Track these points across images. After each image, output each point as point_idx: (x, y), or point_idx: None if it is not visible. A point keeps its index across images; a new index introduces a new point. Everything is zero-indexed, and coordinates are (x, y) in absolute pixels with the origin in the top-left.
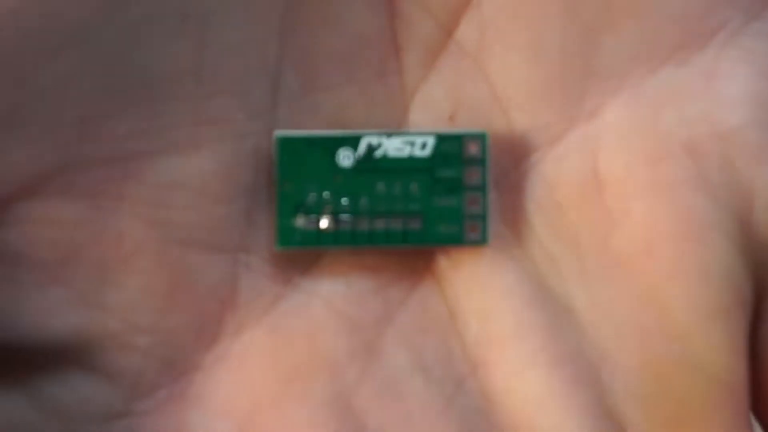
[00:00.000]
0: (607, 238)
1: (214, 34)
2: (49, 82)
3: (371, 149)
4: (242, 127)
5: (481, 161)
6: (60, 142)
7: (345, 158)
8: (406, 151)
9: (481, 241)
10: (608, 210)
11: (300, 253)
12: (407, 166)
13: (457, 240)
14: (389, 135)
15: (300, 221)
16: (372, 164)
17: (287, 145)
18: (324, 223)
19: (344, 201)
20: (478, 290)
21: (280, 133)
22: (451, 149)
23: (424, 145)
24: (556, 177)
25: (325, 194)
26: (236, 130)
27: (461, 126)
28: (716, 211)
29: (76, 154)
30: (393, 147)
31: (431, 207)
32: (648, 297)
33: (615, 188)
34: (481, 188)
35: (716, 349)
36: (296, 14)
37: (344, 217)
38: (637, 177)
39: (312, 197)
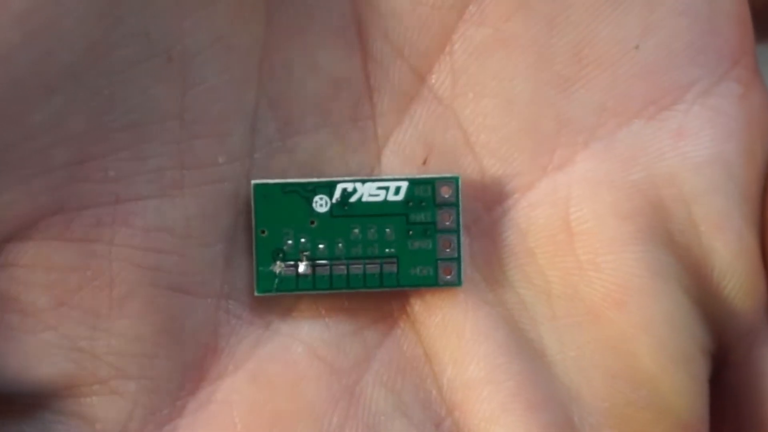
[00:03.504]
0: (578, 287)
1: (196, 76)
2: (40, 123)
3: (346, 195)
4: (223, 170)
5: (454, 204)
6: (52, 184)
7: (321, 204)
8: (380, 196)
9: (455, 283)
10: (579, 260)
11: (278, 297)
12: (382, 210)
13: (431, 282)
14: (363, 181)
15: (278, 267)
16: (347, 209)
17: (264, 192)
18: (302, 268)
19: (321, 246)
20: (453, 334)
21: (257, 180)
22: (424, 193)
23: (397, 190)
24: (527, 224)
25: (302, 240)
26: (217, 174)
27: (434, 170)
28: (679, 269)
29: (68, 196)
30: (367, 192)
31: (406, 250)
32: (617, 344)
33: (586, 240)
34: (455, 231)
35: (681, 393)
36: (273, 57)
37: (322, 261)
38: (606, 230)
39: (289, 243)
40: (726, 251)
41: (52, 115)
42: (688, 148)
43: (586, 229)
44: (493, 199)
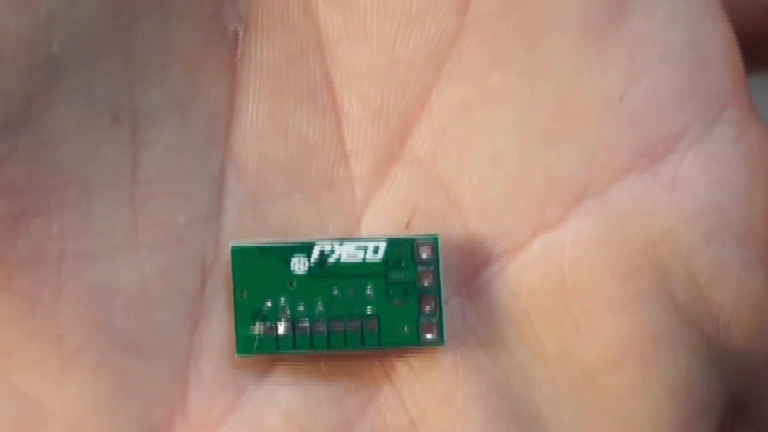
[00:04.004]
0: (574, 349)
1: (149, 136)
2: None
3: (324, 256)
4: (184, 232)
5: (434, 263)
6: None
7: (299, 265)
8: (359, 256)
9: (438, 342)
10: (576, 322)
11: (254, 360)
12: (361, 270)
13: (413, 341)
14: (342, 241)
15: (258, 328)
16: (326, 270)
17: (242, 254)
18: (281, 329)
19: (300, 307)
20: (443, 400)
21: (235, 243)
22: (404, 253)
23: (376, 250)
24: (521, 285)
25: (282, 301)
26: (177, 235)
27: (418, 232)
28: (682, 327)
29: (8, 250)
30: (346, 252)
31: (386, 310)
32: (613, 408)
33: (582, 301)
34: (435, 290)
35: None
36: (241, 120)
37: (301, 322)
38: (603, 291)
39: (268, 305)
40: (727, 302)
41: None
42: (683, 200)
43: (583, 291)
44: (483, 260)
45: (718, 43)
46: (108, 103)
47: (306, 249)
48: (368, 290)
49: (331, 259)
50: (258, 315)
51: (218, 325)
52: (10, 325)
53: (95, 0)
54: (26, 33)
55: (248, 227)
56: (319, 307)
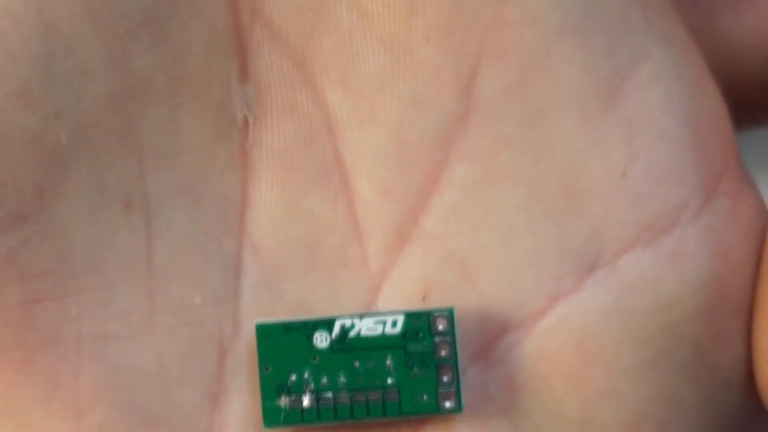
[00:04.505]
0: (596, 414)
1: (163, 224)
2: None
3: (345, 330)
4: (201, 313)
5: (450, 334)
6: (9, 321)
7: (321, 340)
8: (378, 330)
9: (456, 410)
10: (597, 387)
11: None
12: (380, 343)
13: (433, 409)
14: (361, 316)
15: (284, 401)
16: (347, 344)
17: (266, 331)
18: (306, 401)
19: (324, 380)
20: None
21: (259, 321)
22: (421, 325)
23: (395, 324)
24: (540, 351)
25: (305, 374)
26: (194, 316)
27: (434, 304)
28: (690, 390)
29: (26, 332)
30: (365, 327)
31: (406, 380)
32: None
33: (603, 367)
34: (452, 359)
35: None
36: (255, 205)
37: (325, 394)
38: (623, 356)
39: (293, 378)
40: (725, 365)
41: (1, 254)
42: (685, 271)
43: (604, 356)
44: (500, 329)
45: (711, 118)
46: (119, 191)
47: (327, 324)
48: (388, 362)
49: (352, 334)
50: (283, 388)
51: (238, 402)
52: (31, 404)
53: (101, 93)
54: (33, 127)
55: (265, 307)
56: (342, 379)
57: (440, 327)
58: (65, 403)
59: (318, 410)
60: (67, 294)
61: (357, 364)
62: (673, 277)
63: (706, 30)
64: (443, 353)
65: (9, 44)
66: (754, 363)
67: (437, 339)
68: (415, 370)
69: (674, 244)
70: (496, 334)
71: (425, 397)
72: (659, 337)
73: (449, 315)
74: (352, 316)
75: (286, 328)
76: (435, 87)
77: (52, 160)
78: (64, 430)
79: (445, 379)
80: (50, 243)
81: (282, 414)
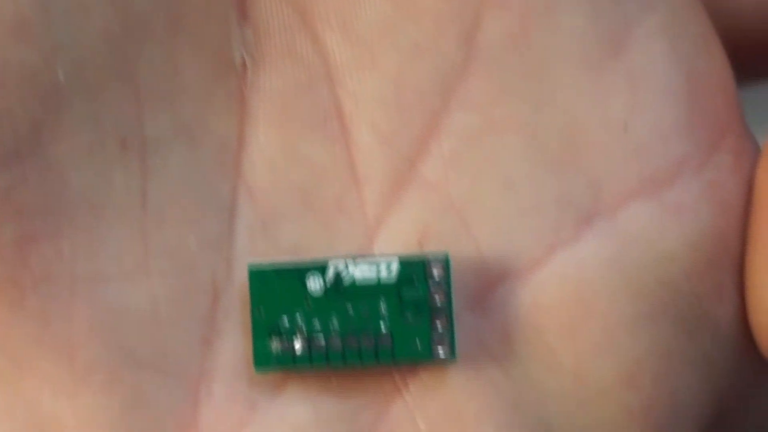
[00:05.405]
0: (590, 364)
1: (159, 164)
2: None
3: (339, 275)
4: (195, 257)
5: (445, 281)
6: (3, 259)
7: (314, 284)
8: (372, 275)
9: (449, 357)
10: (594, 339)
11: (267, 377)
12: (374, 289)
13: (426, 356)
14: (355, 261)
15: (275, 344)
16: (340, 289)
17: (258, 274)
18: (298, 344)
19: (316, 324)
20: (453, 415)
21: (252, 265)
22: (416, 271)
23: (389, 269)
24: (536, 302)
25: (298, 318)
26: (189, 260)
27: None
28: (688, 344)
29: (20, 270)
30: (359, 271)
31: (400, 327)
32: (626, 425)
33: (599, 318)
34: (447, 307)
35: None
36: (251, 149)
37: (317, 339)
38: (620, 309)
39: (285, 322)
40: (725, 322)
41: None
42: (686, 225)
43: (601, 308)
44: (497, 277)
45: (714, 76)
46: (116, 131)
47: (321, 268)
48: (382, 308)
49: (346, 278)
50: (275, 331)
51: (230, 345)
52: (24, 342)
53: (99, 31)
54: (30, 63)
55: (259, 250)
56: (334, 324)
57: (435, 273)
58: (57, 342)
59: (310, 354)
60: (61, 233)
61: (350, 309)
62: (673, 230)
63: None
64: (438, 300)
65: None
66: (747, 303)
67: (432, 285)
68: (409, 316)
69: (675, 197)
70: (492, 282)
71: (418, 344)
72: (657, 291)
73: (445, 261)
74: (345, 260)
75: (279, 271)
76: (436, 34)
77: (49, 98)
78: (55, 369)
79: (439, 326)
80: (46, 182)
81: (273, 357)
